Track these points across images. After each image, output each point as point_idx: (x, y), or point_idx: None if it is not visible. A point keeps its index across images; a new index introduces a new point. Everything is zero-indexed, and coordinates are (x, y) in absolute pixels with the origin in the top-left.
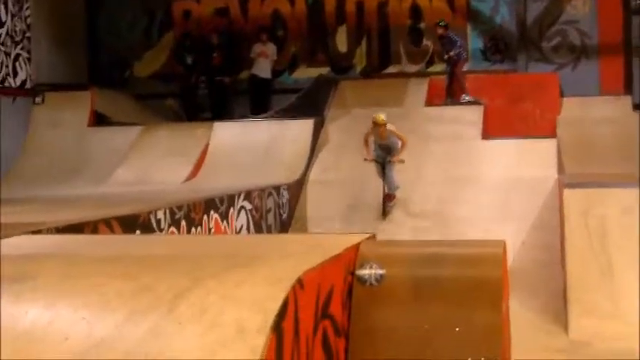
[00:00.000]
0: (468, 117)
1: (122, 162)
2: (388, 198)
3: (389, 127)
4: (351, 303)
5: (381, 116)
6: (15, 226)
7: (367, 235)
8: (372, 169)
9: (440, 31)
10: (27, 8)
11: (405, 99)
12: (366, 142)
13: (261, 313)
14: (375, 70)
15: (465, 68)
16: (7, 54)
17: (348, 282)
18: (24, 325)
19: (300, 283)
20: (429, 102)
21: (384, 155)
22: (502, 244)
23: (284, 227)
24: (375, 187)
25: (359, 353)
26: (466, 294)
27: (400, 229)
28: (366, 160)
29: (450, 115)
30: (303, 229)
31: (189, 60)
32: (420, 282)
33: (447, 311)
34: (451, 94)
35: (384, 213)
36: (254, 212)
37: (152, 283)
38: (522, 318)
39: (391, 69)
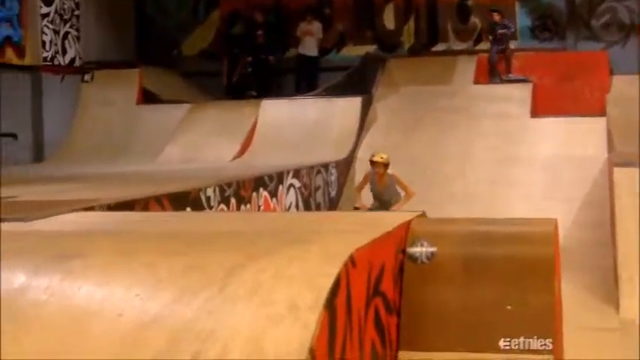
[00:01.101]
0: (516, 95)
1: (171, 140)
2: None
3: (391, 171)
4: (402, 280)
5: (382, 154)
6: (66, 204)
7: (418, 213)
8: (422, 145)
9: (496, 18)
10: None
11: (453, 77)
12: (359, 188)
13: (313, 291)
14: (422, 47)
15: (514, 46)
16: (56, 32)
17: (399, 259)
18: (78, 300)
19: (352, 260)
20: (477, 80)
21: (381, 209)
22: (553, 223)
23: (333, 205)
24: (425, 165)
25: (411, 330)
26: (518, 273)
27: (449, 210)
28: (357, 209)
29: (499, 94)
30: (351, 207)
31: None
32: (471, 260)
33: (499, 289)
34: (498, 72)
35: None
36: (303, 190)
37: (203, 261)
38: (573, 297)
39: (439, 46)
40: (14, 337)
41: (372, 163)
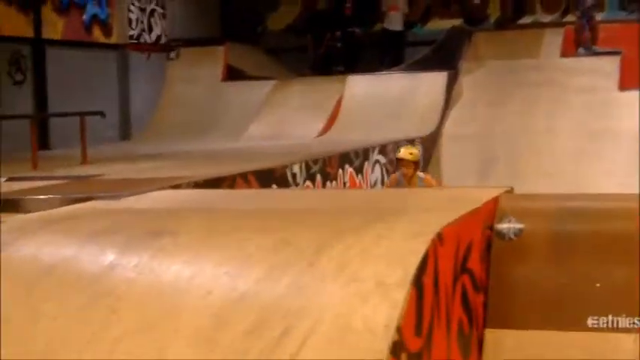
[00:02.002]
0: (604, 68)
1: (256, 116)
2: None
3: (423, 174)
4: (489, 257)
5: (411, 149)
6: (155, 181)
7: (505, 189)
8: (508, 119)
9: None
10: None
11: (540, 50)
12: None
13: (401, 268)
14: (509, 20)
15: (601, 18)
16: (142, 10)
17: (486, 236)
18: (167, 278)
19: (439, 237)
20: (565, 53)
21: None
22: (637, 199)
23: None
24: (512, 140)
25: (498, 308)
26: (605, 249)
27: (535, 184)
28: None
29: (586, 66)
30: (439, 183)
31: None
32: (559, 236)
33: (587, 266)
34: (586, 44)
35: None
36: (388, 166)
37: (292, 238)
38: None
39: (526, 19)
40: (106, 315)
41: (399, 161)
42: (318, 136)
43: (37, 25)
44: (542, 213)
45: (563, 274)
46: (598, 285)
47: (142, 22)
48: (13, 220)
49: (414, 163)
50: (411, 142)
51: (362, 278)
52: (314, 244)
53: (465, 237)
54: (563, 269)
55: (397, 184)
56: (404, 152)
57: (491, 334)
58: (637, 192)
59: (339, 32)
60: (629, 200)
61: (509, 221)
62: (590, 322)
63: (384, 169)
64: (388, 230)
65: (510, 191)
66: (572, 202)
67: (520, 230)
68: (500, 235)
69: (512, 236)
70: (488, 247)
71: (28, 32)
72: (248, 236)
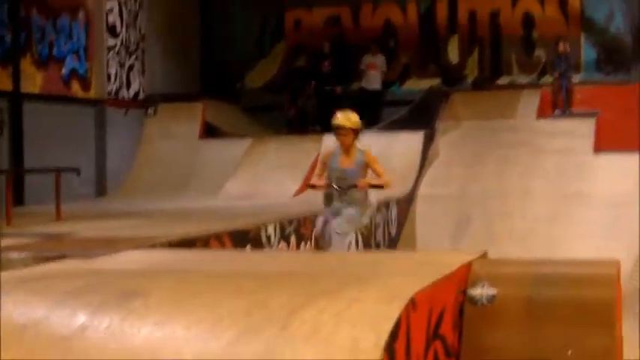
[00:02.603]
0: (580, 130)
1: (233, 175)
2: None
3: (363, 147)
4: (462, 323)
5: (350, 115)
6: (129, 241)
7: (479, 254)
8: (483, 180)
9: (562, 48)
10: (142, 19)
11: (516, 111)
12: (319, 173)
13: (374, 333)
14: (486, 81)
15: (578, 79)
16: (122, 65)
17: (459, 301)
18: (138, 341)
19: (412, 302)
20: (541, 114)
21: (341, 200)
22: (616, 265)
23: (393, 244)
24: (486, 202)
25: None
26: (579, 316)
27: (509, 246)
28: (314, 187)
29: (562, 128)
30: (412, 245)
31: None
32: (533, 302)
33: (560, 333)
34: (562, 105)
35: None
36: (363, 229)
37: (265, 300)
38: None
39: (503, 79)
40: None
41: (336, 129)
42: (294, 196)
43: (16, 79)
44: (516, 278)
45: (537, 340)
46: (570, 352)
47: (121, 77)
48: None
49: (352, 130)
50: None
51: (335, 343)
52: (287, 307)
53: (438, 303)
54: (537, 336)
55: (332, 157)
56: (341, 118)
57: None
58: (612, 257)
59: (314, 89)
60: (606, 266)
61: (483, 286)
62: None
63: (358, 232)
64: (361, 294)
65: (484, 255)
66: (547, 268)
67: (493, 297)
68: (473, 301)
69: (485, 302)
70: (460, 312)
71: (7, 86)
72: (220, 298)
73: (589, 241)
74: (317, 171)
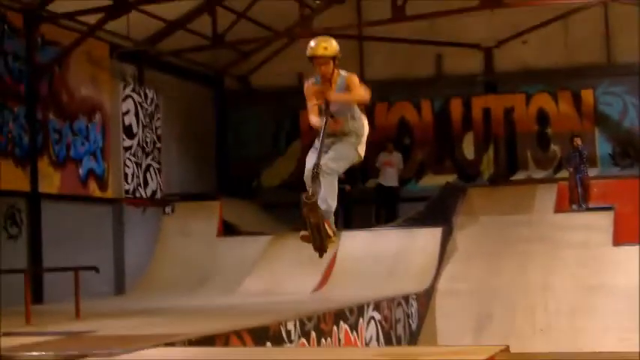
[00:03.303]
0: (598, 223)
1: (251, 272)
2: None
3: (343, 72)
4: None
5: (324, 42)
6: (148, 339)
7: (501, 348)
8: (503, 274)
9: (577, 142)
10: (158, 119)
11: (533, 206)
12: (312, 100)
13: None
14: (502, 176)
15: (594, 174)
16: (138, 165)
17: None
18: None
19: None
20: (558, 208)
21: (340, 150)
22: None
23: (413, 338)
24: (506, 296)
25: None
26: None
27: (531, 340)
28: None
29: (580, 222)
30: (433, 340)
31: None
32: None
33: None
34: (578, 200)
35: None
36: (383, 323)
37: None
38: None
39: (519, 175)
40: None
41: (313, 59)
42: (312, 292)
43: (34, 179)
44: None
45: None
46: None
47: (138, 176)
48: None
49: (331, 58)
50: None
51: None
52: None
53: None
54: None
55: (316, 92)
56: (316, 46)
57: None
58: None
59: None
60: (630, 358)
61: None
62: None
63: (379, 326)
64: None
65: (506, 350)
66: None
67: None
68: None
69: None
70: None
71: (25, 186)
72: None
73: (612, 332)
74: (312, 108)
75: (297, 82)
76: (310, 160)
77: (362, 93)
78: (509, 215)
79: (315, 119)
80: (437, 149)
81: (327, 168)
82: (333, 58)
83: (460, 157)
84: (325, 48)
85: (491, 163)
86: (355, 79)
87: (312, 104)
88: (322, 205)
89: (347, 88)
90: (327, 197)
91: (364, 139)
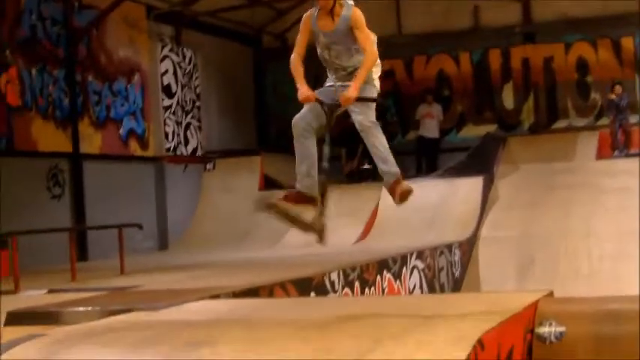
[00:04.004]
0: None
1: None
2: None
3: (351, 4)
4: None
5: None
6: (193, 292)
7: (545, 292)
8: (545, 221)
9: (617, 90)
10: (196, 78)
11: (574, 153)
12: (303, 32)
13: None
14: (543, 125)
15: (635, 120)
16: (179, 123)
17: (527, 340)
18: None
19: (480, 343)
20: (600, 155)
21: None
22: None
23: (457, 286)
24: (548, 243)
25: None
26: None
27: (574, 286)
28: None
29: (622, 168)
30: (476, 287)
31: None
32: (601, 339)
33: None
34: (619, 146)
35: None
36: (427, 271)
37: (332, 346)
38: None
39: (559, 123)
40: None
41: None
42: (354, 244)
43: (75, 140)
44: (584, 316)
45: None
46: None
47: (179, 135)
48: (54, 332)
49: None
50: None
51: None
52: (354, 352)
53: (506, 342)
54: None
55: (311, 22)
56: None
57: None
58: None
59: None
60: None
61: (550, 325)
62: None
63: (422, 274)
64: (429, 336)
65: (550, 295)
66: (614, 305)
67: (562, 333)
68: (542, 339)
69: (554, 340)
70: (529, 351)
71: (66, 147)
72: (287, 346)
73: None
74: (298, 41)
75: None
76: (303, 119)
77: (370, 51)
78: (551, 163)
79: (297, 62)
80: (476, 100)
81: (364, 127)
82: None
83: (500, 107)
84: None
85: (531, 112)
86: (361, 17)
87: (301, 39)
88: (382, 167)
89: (350, 27)
90: (383, 153)
91: (376, 69)
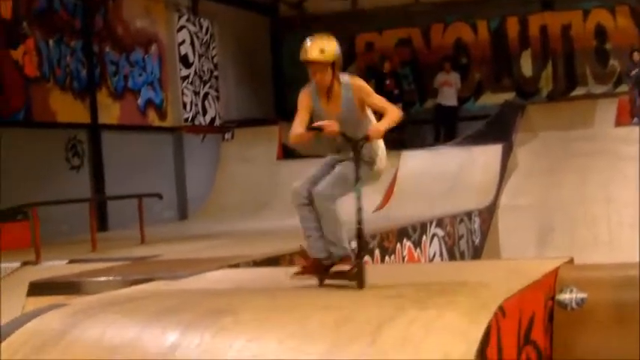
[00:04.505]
0: None
1: None
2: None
3: (345, 78)
4: (552, 328)
5: (322, 42)
6: (213, 261)
7: (565, 259)
8: (564, 188)
9: (636, 57)
10: (213, 48)
11: (593, 120)
12: (303, 109)
13: (464, 342)
14: (561, 92)
15: None
16: (196, 93)
17: (548, 307)
18: (230, 357)
19: (501, 310)
20: (619, 122)
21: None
22: None
23: (477, 253)
24: (568, 210)
25: None
26: None
27: (594, 253)
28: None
29: None
30: (497, 255)
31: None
32: (623, 305)
33: None
34: (639, 113)
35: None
36: (446, 239)
37: (354, 314)
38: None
39: (578, 91)
40: None
41: (308, 64)
42: (374, 212)
43: (93, 111)
44: (604, 282)
45: (628, 344)
46: None
47: (196, 104)
48: (76, 302)
49: (330, 64)
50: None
51: (426, 352)
52: (375, 319)
53: (527, 309)
54: (628, 338)
55: (313, 102)
56: (311, 48)
57: None
58: None
59: None
60: None
61: (571, 291)
62: None
63: (442, 242)
64: (450, 303)
65: (570, 261)
66: (634, 271)
67: (583, 300)
68: (563, 305)
69: (575, 306)
70: (550, 317)
71: (85, 118)
72: (309, 313)
73: None
74: (299, 116)
75: (351, 7)
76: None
77: (396, 111)
78: (569, 130)
79: (298, 133)
80: (494, 68)
81: (320, 195)
82: (332, 64)
83: (518, 74)
84: (322, 51)
85: (549, 79)
86: (364, 85)
87: (302, 114)
88: (330, 248)
89: (355, 102)
90: (333, 231)
91: (381, 154)
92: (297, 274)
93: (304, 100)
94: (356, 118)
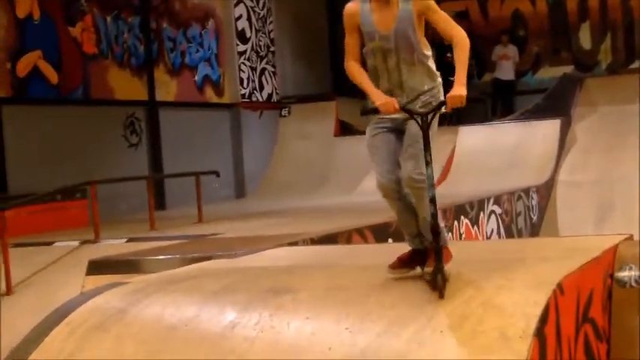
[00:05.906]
0: None
1: (369, 170)
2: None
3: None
4: (611, 306)
5: None
6: (271, 239)
7: (625, 236)
8: (624, 164)
9: None
10: (270, 23)
11: None
12: (352, 35)
13: (522, 319)
14: (621, 65)
15: None
16: (253, 69)
17: (607, 284)
18: (288, 335)
19: (560, 287)
20: None
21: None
22: None
23: (535, 230)
24: (628, 187)
25: (622, 357)
26: None
27: None
28: (370, 112)
29: None
30: (555, 231)
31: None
32: None
33: None
34: None
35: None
36: (504, 216)
37: (411, 293)
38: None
39: (638, 63)
40: None
41: None
42: None
43: (151, 88)
44: None
45: None
46: None
47: (253, 81)
48: (135, 281)
49: None
50: None
51: (484, 330)
52: (434, 297)
53: (585, 286)
54: None
55: (361, 17)
56: None
57: None
58: None
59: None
60: None
61: (630, 269)
62: None
63: (499, 219)
64: (508, 281)
65: (630, 238)
66: None
67: None
68: (622, 283)
69: (634, 284)
70: (609, 295)
71: (142, 95)
72: (367, 292)
73: None
74: (348, 46)
75: None
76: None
77: (461, 33)
78: (630, 105)
79: (356, 70)
80: (552, 40)
81: (413, 180)
82: None
83: (577, 47)
84: None
85: (609, 52)
86: (440, 12)
87: (351, 41)
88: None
89: (414, 17)
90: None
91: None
92: (391, 267)
93: (350, 19)
94: (412, 39)
